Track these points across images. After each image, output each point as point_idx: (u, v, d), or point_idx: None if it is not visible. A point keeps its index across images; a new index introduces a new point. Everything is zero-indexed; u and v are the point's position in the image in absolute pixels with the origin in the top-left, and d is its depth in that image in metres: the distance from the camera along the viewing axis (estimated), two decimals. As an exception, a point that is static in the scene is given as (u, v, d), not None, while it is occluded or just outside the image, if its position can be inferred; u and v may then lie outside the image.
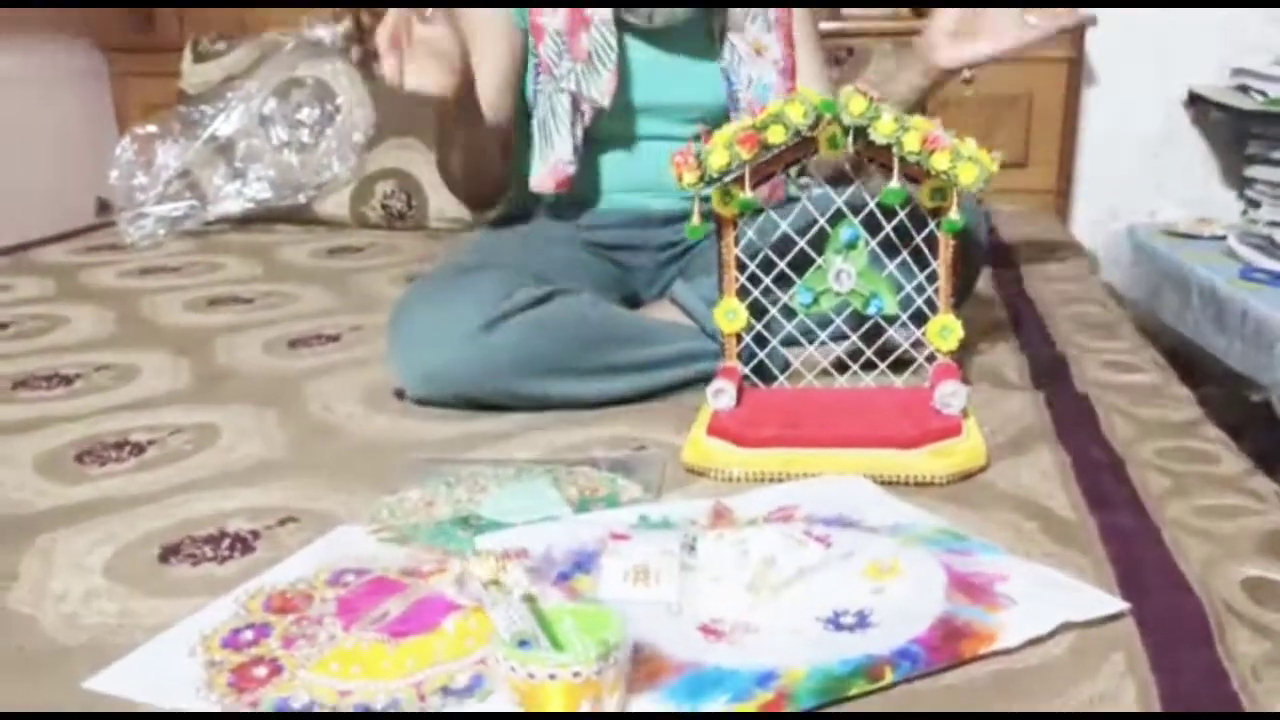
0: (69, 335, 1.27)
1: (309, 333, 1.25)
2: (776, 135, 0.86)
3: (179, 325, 1.31)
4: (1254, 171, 1.82)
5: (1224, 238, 1.78)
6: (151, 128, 1.84)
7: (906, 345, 0.96)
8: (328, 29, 1.93)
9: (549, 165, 1.14)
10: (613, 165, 1.21)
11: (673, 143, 1.19)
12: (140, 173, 1.79)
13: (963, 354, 0.99)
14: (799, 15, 1.23)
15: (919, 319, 0.95)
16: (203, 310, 1.37)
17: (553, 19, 1.13)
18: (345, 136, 1.84)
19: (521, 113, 1.19)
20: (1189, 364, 1.72)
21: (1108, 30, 1.88)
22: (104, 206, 2.02)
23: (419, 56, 0.90)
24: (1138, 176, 2.01)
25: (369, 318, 1.29)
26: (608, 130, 1.17)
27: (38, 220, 1.92)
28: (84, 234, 1.89)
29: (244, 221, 1.85)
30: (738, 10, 1.17)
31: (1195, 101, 1.90)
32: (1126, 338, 1.16)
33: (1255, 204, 1.81)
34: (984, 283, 1.32)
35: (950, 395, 0.87)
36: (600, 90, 1.12)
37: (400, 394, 1.01)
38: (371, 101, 1.87)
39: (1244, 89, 1.78)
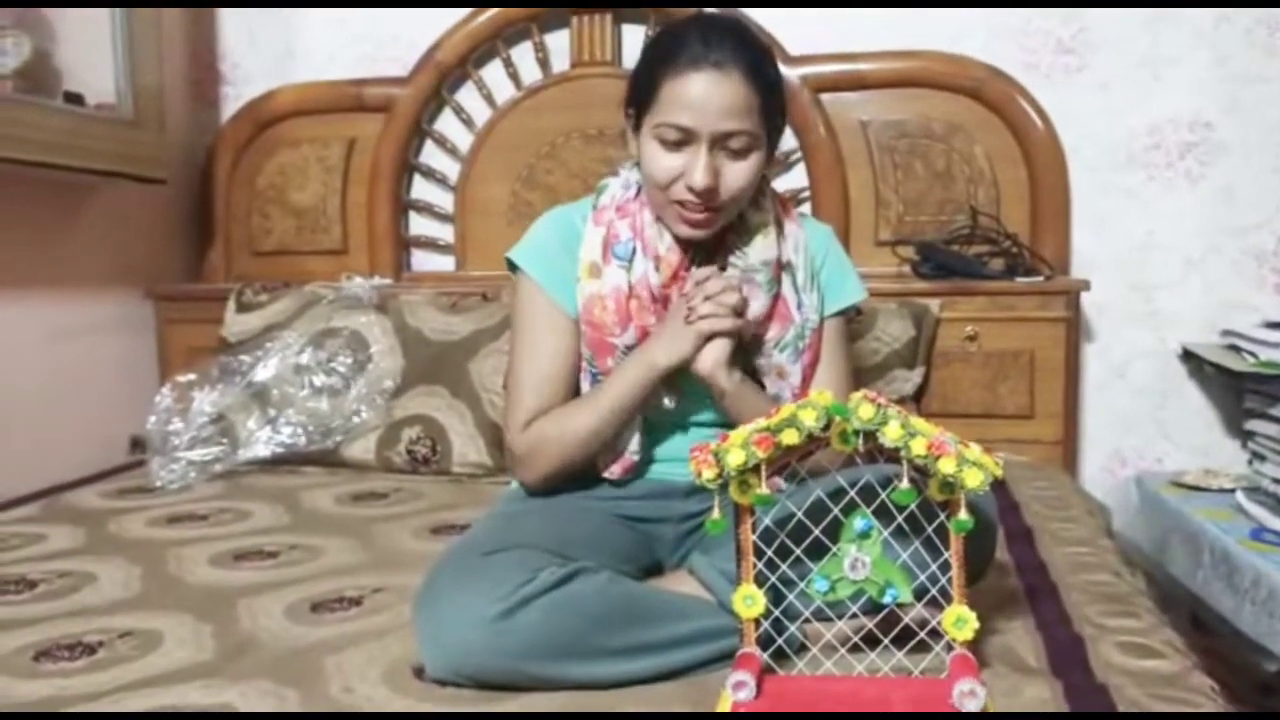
0: (96, 595, 1.29)
1: (331, 595, 1.27)
2: (790, 438, 0.91)
3: (204, 583, 1.33)
4: (1254, 425, 1.86)
5: (1233, 490, 1.81)
6: (191, 376, 1.93)
7: (923, 635, 0.98)
8: (365, 283, 2.06)
9: (615, 455, 1.26)
10: (651, 441, 1.30)
11: (705, 429, 1.27)
12: (177, 419, 1.86)
13: (980, 632, 0.99)
14: (831, 325, 1.33)
15: (936, 601, 0.97)
16: (228, 565, 1.40)
17: (622, 338, 1.25)
18: (375, 384, 1.93)
19: None
20: (1200, 617, 1.70)
21: (1100, 291, 2.00)
22: (137, 444, 2.09)
23: None
24: (1142, 425, 2.07)
25: (392, 577, 1.31)
26: (658, 419, 1.29)
27: (73, 457, 1.99)
28: (116, 475, 1.95)
29: (273, 463, 1.90)
30: (768, 340, 1.28)
31: (1190, 357, 1.98)
32: (1143, 615, 1.16)
33: (1260, 457, 1.85)
34: (998, 544, 1.34)
35: (967, 696, 0.87)
36: (672, 396, 1.25)
37: (419, 672, 1.02)
38: (402, 350, 1.97)
39: (1235, 349, 1.86)
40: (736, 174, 1.18)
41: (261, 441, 1.88)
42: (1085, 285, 1.94)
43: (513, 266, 1.31)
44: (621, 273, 1.24)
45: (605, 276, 1.25)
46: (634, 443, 1.26)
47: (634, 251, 1.25)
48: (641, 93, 1.20)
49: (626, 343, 1.25)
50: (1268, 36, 1.96)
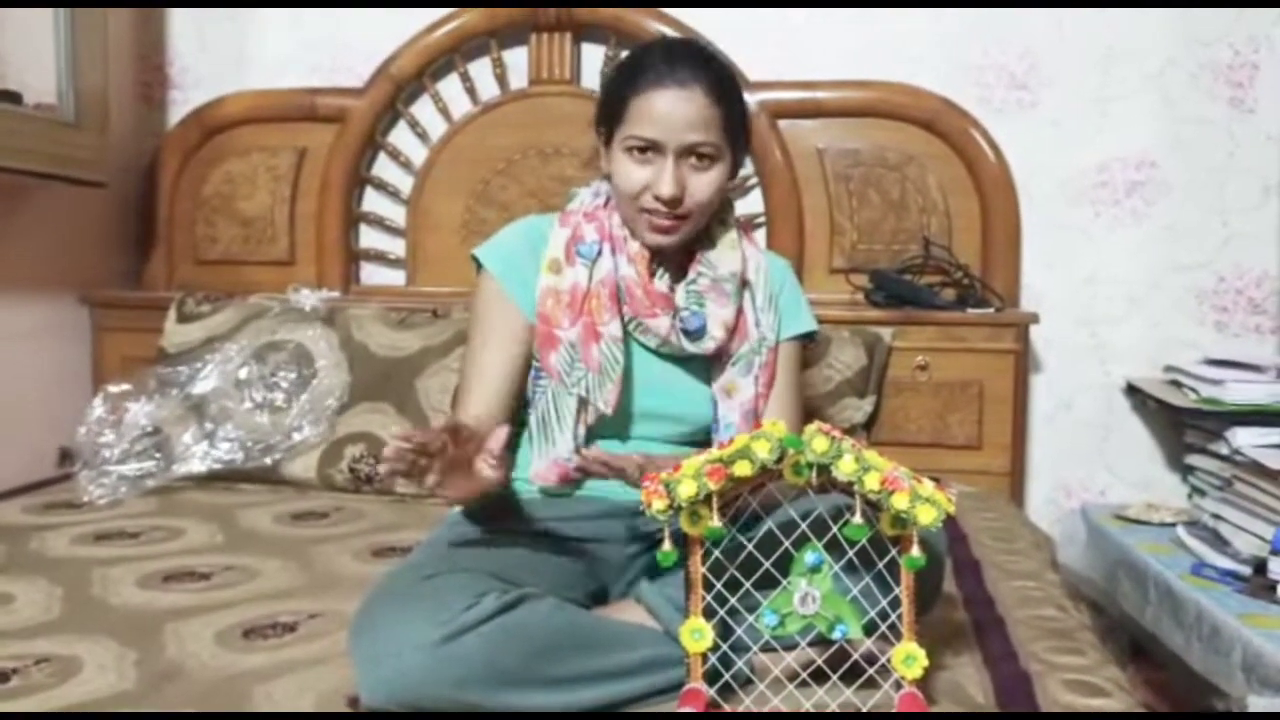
0: (11, 619, 1.22)
1: (265, 619, 1.22)
2: (743, 469, 0.90)
3: (129, 606, 1.27)
4: (1194, 460, 1.90)
5: (1174, 525, 1.83)
6: (126, 386, 1.86)
7: (871, 671, 0.96)
8: (312, 296, 2.01)
9: (548, 460, 1.24)
10: None
11: (658, 445, 1.26)
12: (109, 430, 1.80)
13: (928, 667, 0.98)
14: (786, 350, 1.36)
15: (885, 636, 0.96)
16: (157, 587, 1.34)
17: (568, 332, 1.25)
18: (319, 400, 1.88)
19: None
20: (1149, 650, 1.71)
21: (1047, 325, 2.02)
22: (66, 456, 2.01)
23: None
24: (1087, 457, 2.10)
25: (329, 602, 1.27)
26: (603, 429, 1.27)
27: (-2, 467, 1.91)
28: (42, 488, 1.87)
29: (209, 479, 1.84)
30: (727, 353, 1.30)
31: (1134, 391, 2.01)
32: (1088, 651, 1.16)
33: (1200, 491, 1.88)
34: (946, 577, 1.34)
35: (917, 737, 0.86)
36: (605, 399, 1.23)
37: (354, 703, 0.98)
38: (348, 366, 1.92)
39: (1176, 384, 1.89)
40: (701, 184, 1.23)
41: (198, 457, 1.82)
42: (1034, 318, 1.97)
43: (478, 265, 1.32)
44: (583, 270, 1.27)
45: (565, 273, 1.27)
46: (567, 448, 1.23)
47: (599, 252, 1.28)
48: (610, 110, 1.25)
49: (571, 339, 1.25)
50: (1212, 81, 2.01)
